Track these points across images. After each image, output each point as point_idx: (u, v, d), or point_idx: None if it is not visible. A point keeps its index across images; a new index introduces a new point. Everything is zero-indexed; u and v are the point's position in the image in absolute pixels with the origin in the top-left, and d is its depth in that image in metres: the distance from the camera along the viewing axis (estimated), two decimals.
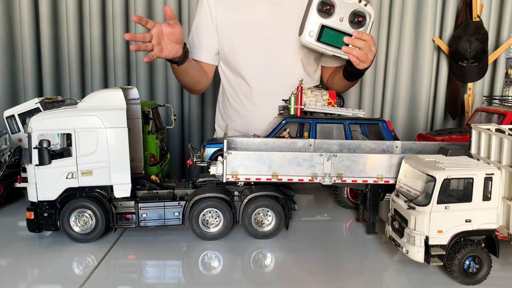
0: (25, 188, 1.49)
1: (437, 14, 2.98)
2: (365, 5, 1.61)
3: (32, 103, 1.79)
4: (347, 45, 1.65)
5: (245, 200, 1.36)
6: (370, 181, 1.34)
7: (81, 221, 1.33)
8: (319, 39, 1.63)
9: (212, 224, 1.37)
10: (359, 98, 3.12)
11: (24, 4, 2.81)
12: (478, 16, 2.84)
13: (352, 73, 1.81)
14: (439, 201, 1.08)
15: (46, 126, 1.28)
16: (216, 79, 2.29)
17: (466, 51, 2.80)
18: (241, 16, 1.95)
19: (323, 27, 1.62)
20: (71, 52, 2.92)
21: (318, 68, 2.15)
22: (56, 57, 2.94)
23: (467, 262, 1.09)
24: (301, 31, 1.67)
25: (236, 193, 1.39)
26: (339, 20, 1.61)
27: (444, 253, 1.10)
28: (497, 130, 1.21)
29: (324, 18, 1.62)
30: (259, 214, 1.38)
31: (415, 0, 2.97)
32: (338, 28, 1.62)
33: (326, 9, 1.60)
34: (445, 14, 2.98)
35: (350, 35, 1.63)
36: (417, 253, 1.10)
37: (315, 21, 1.62)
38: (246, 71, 2.00)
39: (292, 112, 1.56)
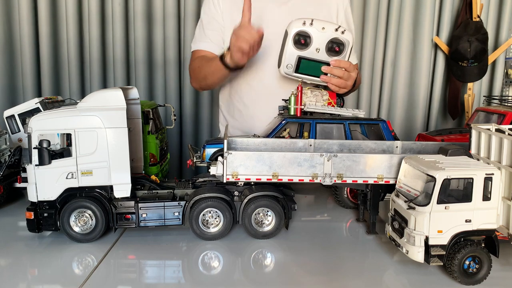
0: (25, 188, 1.49)
1: (435, 14, 2.98)
2: (343, 32, 1.58)
3: (32, 103, 1.78)
4: (326, 73, 1.62)
5: (245, 200, 1.36)
6: (371, 181, 1.34)
7: (81, 221, 1.33)
8: (297, 71, 1.62)
9: (212, 224, 1.37)
10: (357, 98, 3.13)
11: (23, 4, 2.81)
12: (478, 16, 2.84)
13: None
14: (439, 201, 1.08)
15: (46, 126, 1.28)
16: None
17: (466, 51, 2.80)
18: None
19: (300, 58, 1.60)
20: (70, 52, 2.91)
21: None
22: (55, 57, 2.94)
23: (467, 262, 1.10)
24: (279, 63, 1.67)
25: (236, 193, 1.39)
26: (315, 51, 1.59)
27: (444, 253, 1.10)
28: (497, 130, 1.21)
29: (301, 49, 1.60)
30: (259, 214, 1.38)
31: (413, 0, 2.98)
32: (315, 59, 1.60)
33: (301, 41, 1.59)
34: (443, 14, 2.99)
35: (328, 64, 1.61)
36: (417, 253, 1.10)
37: (292, 53, 1.61)
38: (250, 71, 1.99)
39: (292, 112, 1.56)
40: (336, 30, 1.58)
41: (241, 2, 1.95)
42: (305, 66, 1.62)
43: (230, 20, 1.94)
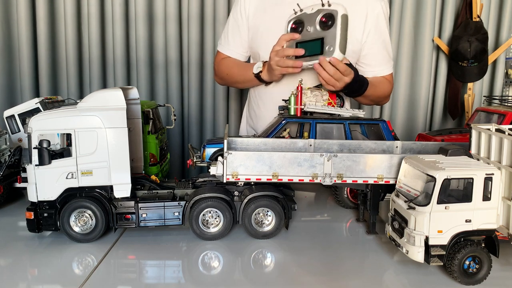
0: (25, 188, 1.49)
1: (436, 15, 2.98)
2: (329, 5, 1.57)
3: (32, 103, 1.79)
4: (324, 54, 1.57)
5: (245, 200, 1.36)
6: (371, 181, 1.34)
7: (81, 221, 1.33)
8: (298, 57, 1.62)
9: (212, 224, 1.37)
10: None
11: (22, 4, 2.80)
12: (478, 16, 2.84)
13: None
14: (439, 201, 1.08)
15: (46, 126, 1.28)
16: None
17: (466, 51, 2.80)
18: (270, 16, 1.87)
19: (296, 44, 1.62)
20: (69, 52, 2.91)
21: None
22: (53, 57, 2.94)
23: (467, 262, 1.10)
24: None
25: (236, 193, 1.39)
26: (307, 31, 1.60)
27: (444, 253, 1.10)
28: (497, 130, 1.21)
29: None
30: (259, 214, 1.38)
31: (414, 0, 2.98)
32: (308, 39, 1.60)
33: (294, 27, 1.63)
34: (444, 15, 2.99)
35: (322, 39, 1.57)
36: (417, 253, 1.10)
37: (291, 43, 1.64)
38: None
39: (292, 112, 1.55)
40: (323, 5, 1.59)
41: (267, 2, 1.91)
42: (304, 49, 1.61)
43: (254, 24, 1.92)
